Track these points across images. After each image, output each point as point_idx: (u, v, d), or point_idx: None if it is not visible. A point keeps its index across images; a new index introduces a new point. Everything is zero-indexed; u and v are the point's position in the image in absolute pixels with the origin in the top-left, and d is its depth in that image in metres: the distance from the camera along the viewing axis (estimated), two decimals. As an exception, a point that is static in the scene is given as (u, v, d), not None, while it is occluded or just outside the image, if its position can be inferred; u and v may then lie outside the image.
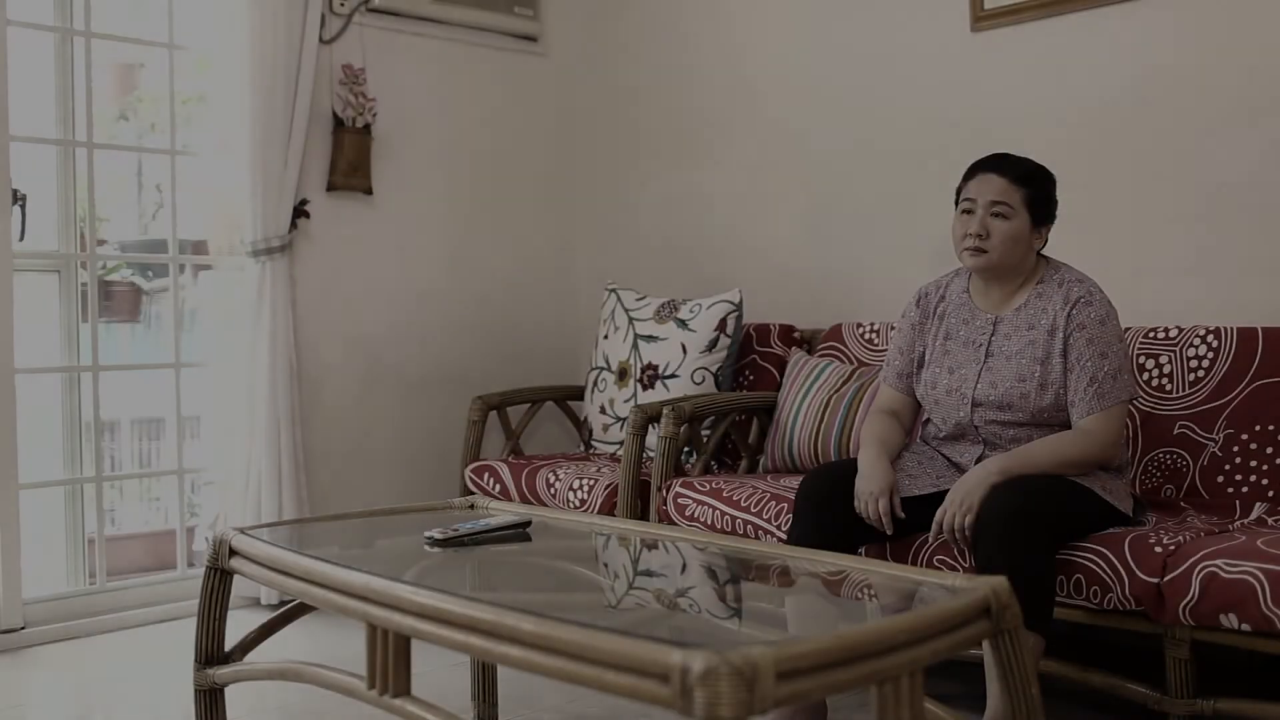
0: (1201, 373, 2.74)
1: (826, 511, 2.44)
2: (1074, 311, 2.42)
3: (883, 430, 2.59)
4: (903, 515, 2.44)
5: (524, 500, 3.39)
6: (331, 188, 3.81)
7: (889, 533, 2.42)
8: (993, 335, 2.51)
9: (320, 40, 3.75)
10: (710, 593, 2.04)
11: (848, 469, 2.51)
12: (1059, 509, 2.29)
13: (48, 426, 3.61)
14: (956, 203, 2.57)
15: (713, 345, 3.52)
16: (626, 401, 3.62)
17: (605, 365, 3.75)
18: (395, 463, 3.99)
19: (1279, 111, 2.85)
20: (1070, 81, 3.19)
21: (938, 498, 2.43)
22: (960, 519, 2.29)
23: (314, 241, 3.79)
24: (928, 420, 2.66)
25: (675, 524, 2.98)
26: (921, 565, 2.43)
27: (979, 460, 2.47)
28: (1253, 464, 2.59)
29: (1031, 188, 2.49)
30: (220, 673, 2.22)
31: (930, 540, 2.43)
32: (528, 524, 2.32)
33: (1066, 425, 2.43)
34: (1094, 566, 2.22)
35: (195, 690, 2.25)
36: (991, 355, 2.50)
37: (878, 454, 2.50)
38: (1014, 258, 2.48)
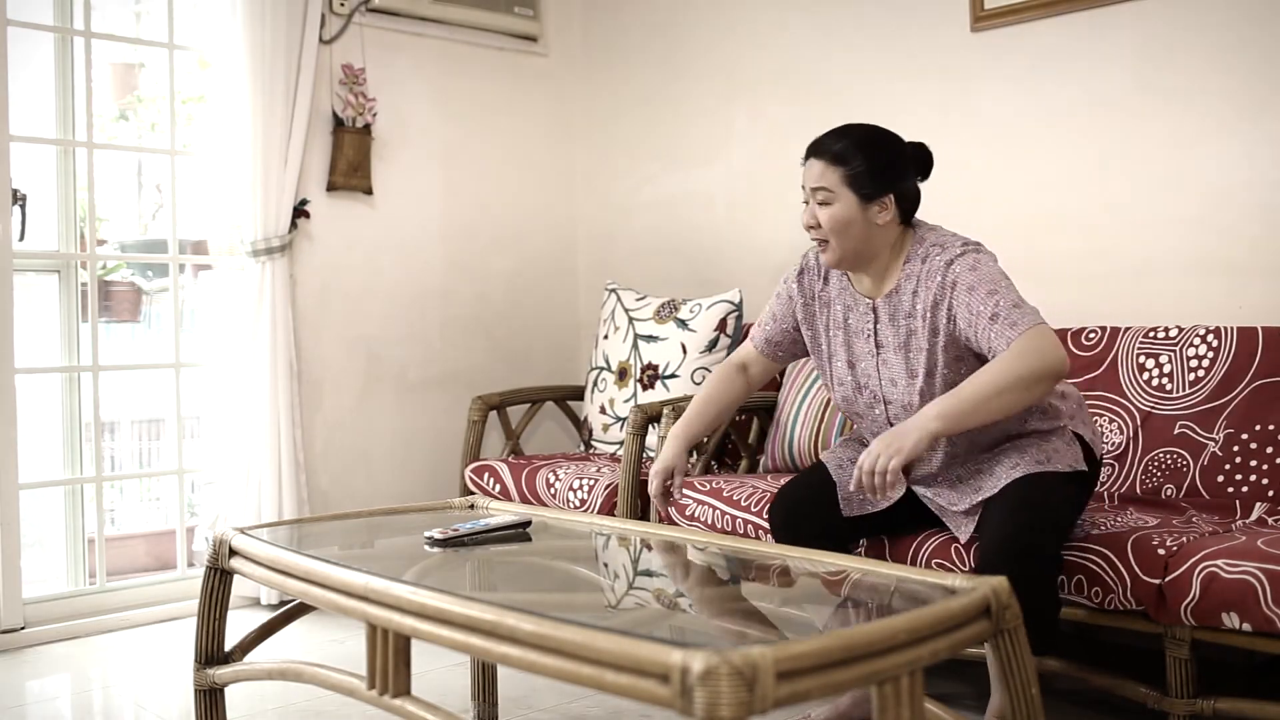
0: (1201, 373, 2.74)
1: (800, 535, 2.35)
2: (943, 277, 2.25)
3: (713, 390, 2.52)
4: (681, 498, 2.50)
5: (524, 500, 3.39)
6: (331, 188, 3.81)
7: (663, 515, 2.49)
8: (876, 323, 2.35)
9: (320, 40, 3.75)
10: (710, 593, 2.04)
11: (810, 482, 2.44)
12: (1055, 522, 2.17)
13: (48, 426, 3.61)
14: None
15: (713, 345, 3.52)
16: (626, 401, 3.62)
17: (605, 365, 3.75)
18: (395, 463, 3.99)
19: (1279, 111, 2.85)
20: (1070, 81, 3.19)
21: (910, 504, 2.38)
22: (885, 460, 2.06)
23: (314, 241, 3.79)
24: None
25: (675, 524, 2.98)
26: (921, 565, 2.43)
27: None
28: (1253, 464, 2.59)
29: (848, 164, 2.28)
30: (220, 673, 2.22)
31: (851, 489, 2.26)
32: (528, 524, 2.32)
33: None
34: (1095, 567, 2.22)
35: (195, 690, 2.25)
36: (882, 347, 2.34)
37: (680, 428, 2.49)
38: (856, 242, 2.29)
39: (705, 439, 3.31)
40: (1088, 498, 2.36)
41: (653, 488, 2.46)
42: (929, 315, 2.26)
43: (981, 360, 2.23)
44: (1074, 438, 2.34)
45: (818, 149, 2.33)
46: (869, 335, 2.36)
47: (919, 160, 2.38)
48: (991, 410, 2.11)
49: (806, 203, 2.34)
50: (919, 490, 2.41)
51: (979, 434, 2.30)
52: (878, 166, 2.29)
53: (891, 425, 2.33)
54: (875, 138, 2.33)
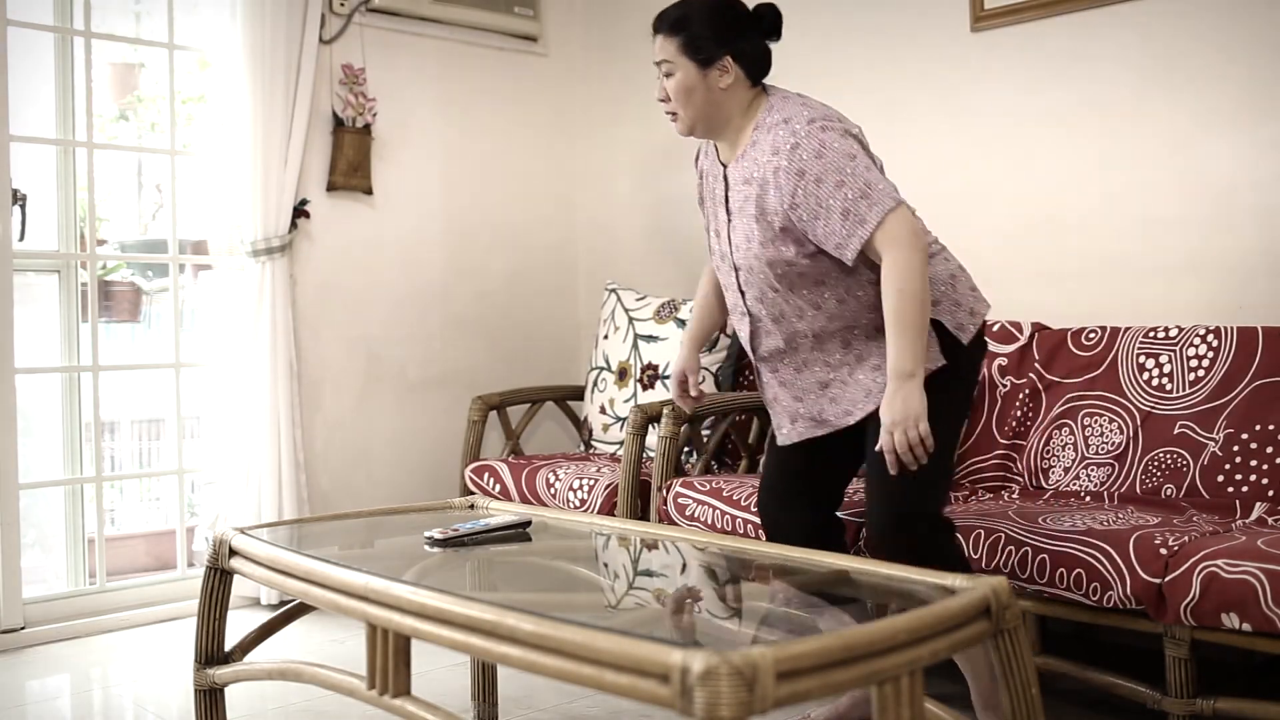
0: (1201, 373, 2.75)
1: (788, 533, 2.41)
2: (784, 161, 2.22)
3: (705, 289, 2.63)
4: (697, 397, 2.55)
5: (524, 500, 3.39)
6: (331, 188, 3.81)
7: (687, 412, 2.68)
8: (728, 189, 2.36)
9: (320, 40, 3.75)
10: (710, 593, 2.04)
11: (784, 476, 2.48)
12: (925, 481, 2.19)
13: (48, 426, 3.61)
14: None
15: (713, 345, 3.51)
16: (626, 401, 3.62)
17: (605, 365, 3.75)
18: (395, 463, 3.99)
19: (1279, 111, 2.85)
20: (1070, 81, 3.19)
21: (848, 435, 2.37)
22: (914, 430, 2.12)
23: (314, 241, 3.79)
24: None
25: (675, 524, 2.98)
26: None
27: (783, 361, 2.38)
28: (1253, 464, 2.59)
29: (683, 32, 2.29)
30: (220, 673, 2.22)
31: (893, 468, 2.20)
32: (528, 524, 2.32)
33: (811, 278, 2.27)
34: (1094, 562, 2.22)
35: (195, 690, 2.25)
36: (731, 213, 2.35)
37: (688, 333, 2.61)
38: (702, 108, 2.30)
39: (705, 439, 3.32)
40: (965, 391, 2.33)
41: (673, 391, 2.58)
42: (763, 190, 2.26)
43: (794, 241, 2.25)
44: (932, 328, 2.27)
45: (658, 21, 2.35)
46: (724, 202, 2.37)
47: (763, 19, 2.36)
48: (925, 324, 2.18)
49: (660, 76, 2.36)
50: (801, 414, 2.42)
51: (806, 329, 2.33)
52: (712, 30, 2.29)
53: (743, 293, 2.37)
54: (710, 2, 2.32)
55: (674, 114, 2.33)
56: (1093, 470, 2.81)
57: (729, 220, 2.35)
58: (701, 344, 2.61)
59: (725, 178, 2.35)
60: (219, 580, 2.22)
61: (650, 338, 3.63)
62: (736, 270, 2.36)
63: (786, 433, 2.44)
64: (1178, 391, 2.77)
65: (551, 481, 3.34)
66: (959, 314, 2.31)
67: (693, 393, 2.55)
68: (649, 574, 2.16)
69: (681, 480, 3.06)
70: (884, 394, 2.18)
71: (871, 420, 2.27)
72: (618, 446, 3.63)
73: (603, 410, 3.72)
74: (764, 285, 2.32)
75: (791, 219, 2.22)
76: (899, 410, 2.14)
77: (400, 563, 2.13)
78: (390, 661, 1.74)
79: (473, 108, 4.21)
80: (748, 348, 2.45)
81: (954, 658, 2.21)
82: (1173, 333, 2.84)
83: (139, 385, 4.42)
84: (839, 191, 2.18)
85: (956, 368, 2.28)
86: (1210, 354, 2.75)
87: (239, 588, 2.94)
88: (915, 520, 2.23)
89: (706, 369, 3.49)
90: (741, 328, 2.44)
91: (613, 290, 3.87)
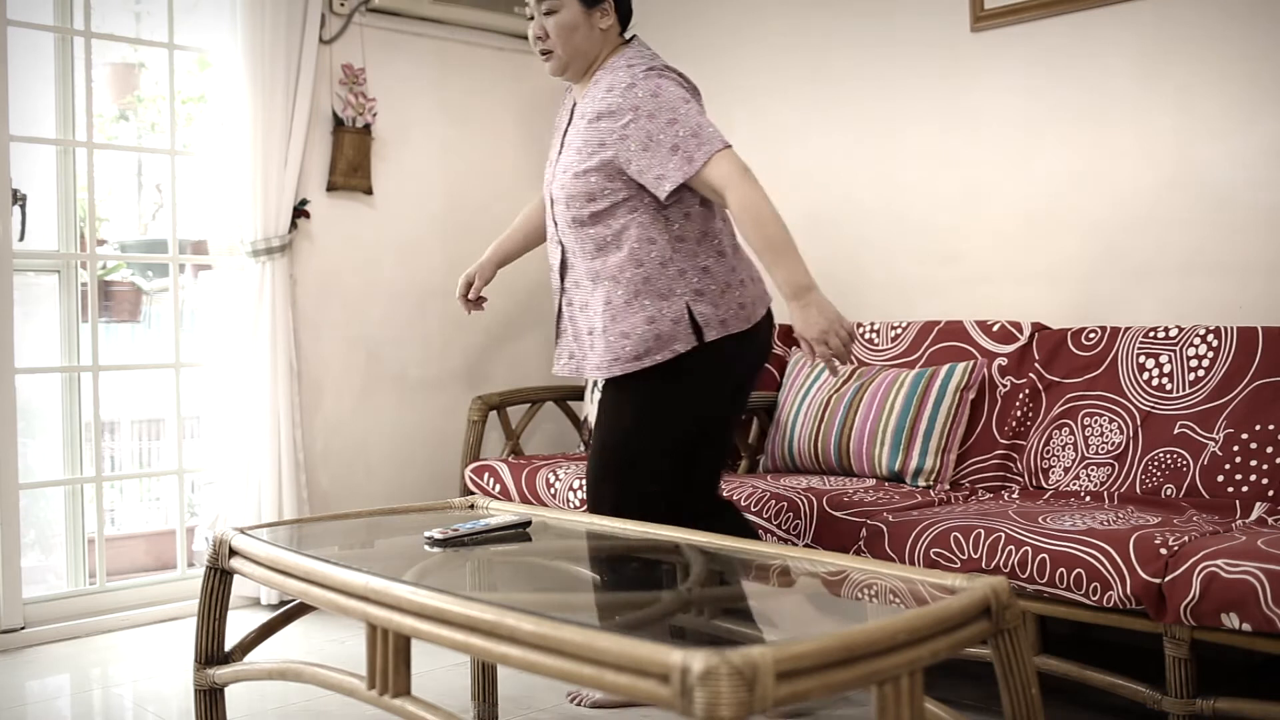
0: (1201, 373, 2.75)
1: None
2: (618, 98, 2.40)
3: (528, 211, 2.89)
4: (477, 300, 2.84)
5: (524, 500, 3.39)
6: (331, 188, 3.81)
7: (466, 313, 2.93)
8: (569, 124, 2.55)
9: (320, 40, 3.75)
10: (710, 593, 2.03)
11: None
12: (622, 462, 2.46)
13: (48, 426, 3.61)
14: None
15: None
16: (626, 401, 3.62)
17: (605, 365, 3.75)
18: (395, 463, 3.99)
19: (1279, 111, 2.85)
20: (1070, 81, 3.19)
21: None
22: (840, 333, 2.29)
23: (314, 241, 3.79)
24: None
25: (675, 524, 2.97)
26: (921, 565, 2.44)
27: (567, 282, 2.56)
28: (1253, 464, 2.59)
29: None
30: (220, 673, 2.22)
31: (835, 374, 2.47)
32: (528, 524, 2.32)
33: (595, 216, 2.45)
34: (1094, 562, 2.22)
35: (195, 690, 2.25)
36: (564, 147, 2.53)
37: (498, 242, 2.93)
38: (579, 46, 2.50)
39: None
40: (697, 389, 2.48)
41: (458, 290, 2.86)
42: (591, 124, 2.43)
43: (607, 175, 2.41)
44: (687, 315, 2.45)
45: None
46: (562, 134, 2.56)
47: None
48: (792, 241, 2.38)
49: (532, 18, 2.53)
50: (575, 353, 2.60)
51: (591, 268, 2.49)
52: None
53: (556, 224, 2.55)
54: None
55: (548, 53, 2.51)
56: (1093, 470, 2.81)
57: (560, 151, 2.53)
58: (502, 259, 2.89)
59: (571, 115, 2.55)
60: (219, 580, 2.22)
61: (650, 338, 3.63)
62: (553, 201, 2.53)
63: (563, 365, 2.63)
64: (1178, 391, 2.77)
65: (551, 481, 3.34)
66: (711, 314, 2.46)
67: (472, 295, 2.86)
68: (649, 574, 2.16)
69: (681, 480, 3.06)
70: (794, 316, 2.32)
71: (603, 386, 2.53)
72: (618, 446, 3.63)
73: (603, 410, 3.72)
74: (567, 215, 2.49)
75: (619, 151, 2.38)
76: (816, 322, 2.29)
77: (400, 563, 2.13)
78: (390, 661, 1.74)
79: (473, 108, 4.21)
80: (555, 276, 2.61)
81: None
82: (1173, 333, 2.84)
83: (139, 385, 4.42)
84: (671, 128, 2.35)
85: (692, 361, 2.44)
86: (1210, 354, 2.75)
87: (239, 588, 2.94)
88: (599, 502, 2.48)
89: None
90: (554, 256, 2.60)
91: (613, 290, 3.87)
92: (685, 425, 2.49)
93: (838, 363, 2.32)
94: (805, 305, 2.30)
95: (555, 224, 2.55)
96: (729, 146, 2.36)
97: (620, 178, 2.41)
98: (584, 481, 2.61)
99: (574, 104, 2.56)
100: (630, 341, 2.43)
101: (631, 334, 2.43)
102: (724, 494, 2.79)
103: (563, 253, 2.55)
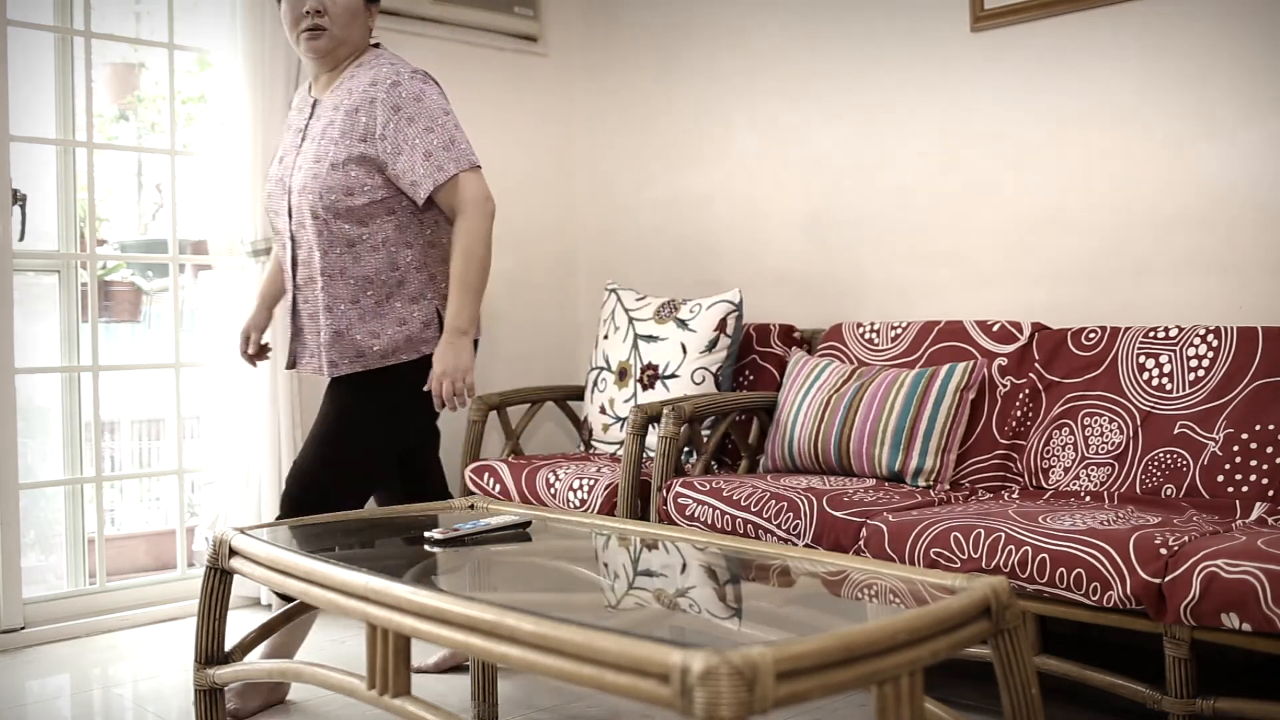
0: (1201, 373, 2.75)
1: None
2: (382, 93, 2.44)
3: (279, 253, 2.72)
4: (260, 351, 2.84)
5: (524, 500, 3.39)
6: (331, 188, 3.81)
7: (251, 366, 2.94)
8: (310, 119, 2.55)
9: (320, 40, 3.75)
10: (710, 593, 2.04)
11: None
12: (340, 474, 2.55)
13: (48, 426, 3.61)
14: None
15: (713, 345, 3.52)
16: (626, 401, 3.62)
17: (605, 365, 3.75)
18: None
19: (1279, 111, 2.85)
20: (1070, 81, 3.19)
21: None
22: (461, 382, 2.47)
23: (314, 241, 3.79)
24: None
25: (675, 524, 2.98)
26: (921, 565, 2.44)
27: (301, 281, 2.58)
28: (1253, 464, 2.59)
29: None
30: (220, 673, 2.22)
31: (439, 407, 2.55)
32: (528, 524, 2.32)
33: (359, 215, 2.46)
34: (1094, 562, 2.22)
35: (195, 690, 2.25)
36: (305, 139, 2.53)
37: (262, 291, 2.86)
38: (349, 35, 2.52)
39: (706, 439, 3.31)
40: (398, 407, 2.61)
41: (238, 347, 2.90)
42: (349, 116, 2.45)
43: (366, 171, 2.44)
44: (436, 319, 2.56)
45: None
46: (300, 129, 2.57)
47: None
48: (483, 287, 2.50)
49: None
50: (318, 349, 2.62)
51: (332, 266, 2.51)
52: None
53: (292, 216, 2.53)
54: None
55: (321, 29, 2.48)
56: (1093, 470, 2.81)
57: (299, 144, 2.54)
58: (271, 303, 2.86)
59: (314, 107, 2.55)
60: (219, 580, 2.22)
61: (650, 338, 3.63)
62: (290, 193, 2.52)
63: (306, 364, 2.66)
64: (1178, 391, 2.77)
65: (551, 481, 3.34)
66: (406, 343, 2.56)
67: (251, 350, 2.88)
68: (649, 574, 2.16)
69: (681, 480, 3.07)
70: (440, 347, 2.48)
71: (337, 386, 2.59)
72: (618, 446, 3.63)
73: (603, 410, 3.72)
74: (317, 207, 2.47)
75: (377, 148, 2.42)
76: (450, 362, 2.45)
77: (400, 563, 2.14)
78: (390, 661, 1.74)
79: (473, 108, 4.21)
80: (287, 272, 2.61)
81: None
82: (1173, 333, 2.84)
83: (139, 385, 4.43)
84: (428, 135, 2.43)
85: (398, 381, 2.56)
86: (1210, 354, 2.75)
87: (239, 588, 2.94)
88: (314, 484, 2.55)
89: (706, 369, 3.49)
90: (284, 254, 2.60)
91: (613, 290, 3.87)
92: (419, 424, 2.60)
93: (443, 401, 2.50)
94: (454, 344, 2.47)
95: (291, 218, 2.53)
96: (478, 168, 2.47)
97: (380, 175, 2.46)
98: (292, 472, 2.62)
99: (315, 100, 2.57)
100: (380, 342, 2.50)
101: (382, 334, 2.50)
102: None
103: (294, 249, 2.56)
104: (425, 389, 2.46)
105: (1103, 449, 2.82)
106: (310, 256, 2.52)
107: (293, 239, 2.55)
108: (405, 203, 2.51)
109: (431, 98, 2.47)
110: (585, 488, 3.24)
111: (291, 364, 2.72)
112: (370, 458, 2.61)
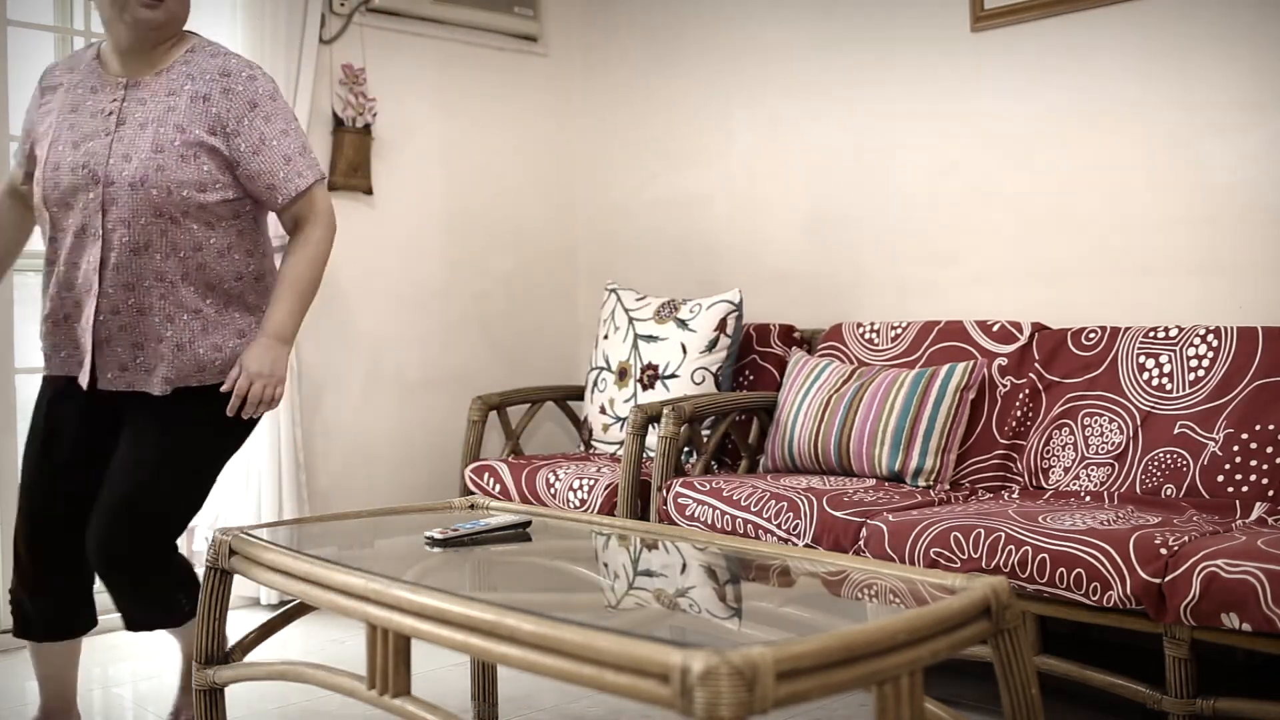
0: (1201, 373, 2.75)
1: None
2: (240, 85, 2.26)
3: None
4: None
5: (524, 500, 3.39)
6: (331, 188, 3.81)
7: None
8: (125, 101, 2.27)
9: (320, 40, 3.75)
10: (710, 593, 2.04)
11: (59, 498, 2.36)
12: (185, 501, 2.33)
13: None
14: None
15: (713, 345, 3.52)
16: (626, 401, 3.62)
17: (605, 365, 3.75)
18: (395, 463, 3.99)
19: (1279, 111, 2.85)
20: (1070, 81, 3.19)
21: None
22: (272, 390, 2.26)
23: (314, 241, 3.79)
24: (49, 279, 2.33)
25: (675, 524, 2.98)
26: (921, 565, 2.44)
27: (99, 286, 2.24)
28: (1253, 464, 2.59)
29: None
30: (220, 673, 2.22)
31: (232, 409, 2.27)
32: (528, 524, 2.32)
33: (208, 216, 2.25)
34: (1094, 562, 2.22)
35: (195, 690, 2.25)
36: (124, 123, 2.24)
37: None
38: (183, 15, 2.30)
39: (705, 439, 3.31)
40: (232, 428, 2.38)
41: None
42: (196, 103, 2.24)
43: (218, 166, 2.25)
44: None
45: None
46: (110, 114, 2.26)
47: None
48: (312, 300, 2.35)
49: None
50: (131, 364, 2.31)
51: (172, 270, 2.26)
52: None
53: (106, 212, 2.21)
54: None
55: (156, 3, 2.23)
56: (1093, 470, 2.81)
57: (115, 130, 2.23)
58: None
59: (126, 89, 2.27)
60: (219, 580, 2.22)
61: (650, 338, 3.63)
62: (109, 184, 2.20)
63: (113, 378, 2.28)
64: (1178, 391, 2.77)
65: (551, 481, 3.34)
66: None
67: None
68: (649, 574, 2.16)
69: (681, 480, 3.07)
70: (254, 347, 2.26)
71: (163, 404, 2.29)
72: (618, 446, 3.63)
73: (603, 410, 3.72)
74: (156, 205, 2.21)
75: (230, 144, 2.25)
76: (268, 365, 2.25)
77: (400, 563, 2.13)
78: (390, 661, 1.74)
79: (473, 107, 4.21)
80: (89, 277, 2.24)
81: (172, 632, 2.45)
82: (1173, 333, 2.84)
83: (139, 385, 4.42)
84: (285, 138, 2.28)
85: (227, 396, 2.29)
86: (1210, 354, 2.75)
87: (239, 588, 2.94)
88: (155, 522, 2.29)
89: (706, 369, 3.49)
90: (88, 253, 2.24)
91: (613, 290, 3.87)
92: (241, 440, 2.41)
93: (241, 404, 2.26)
94: (273, 349, 2.27)
95: (105, 214, 2.22)
96: (326, 179, 2.39)
97: (230, 173, 2.27)
98: (120, 494, 2.26)
99: (126, 82, 2.28)
100: (222, 355, 2.32)
101: (224, 347, 2.32)
102: None
103: (104, 250, 2.23)
104: (224, 388, 2.25)
105: (1103, 449, 2.82)
106: (136, 260, 2.23)
107: (103, 238, 2.22)
108: (250, 206, 2.34)
109: (283, 100, 2.32)
110: (585, 488, 3.24)
111: (91, 382, 2.30)
112: (207, 480, 2.38)
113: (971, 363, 3.08)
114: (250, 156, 2.26)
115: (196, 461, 2.34)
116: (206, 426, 2.32)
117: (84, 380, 2.29)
